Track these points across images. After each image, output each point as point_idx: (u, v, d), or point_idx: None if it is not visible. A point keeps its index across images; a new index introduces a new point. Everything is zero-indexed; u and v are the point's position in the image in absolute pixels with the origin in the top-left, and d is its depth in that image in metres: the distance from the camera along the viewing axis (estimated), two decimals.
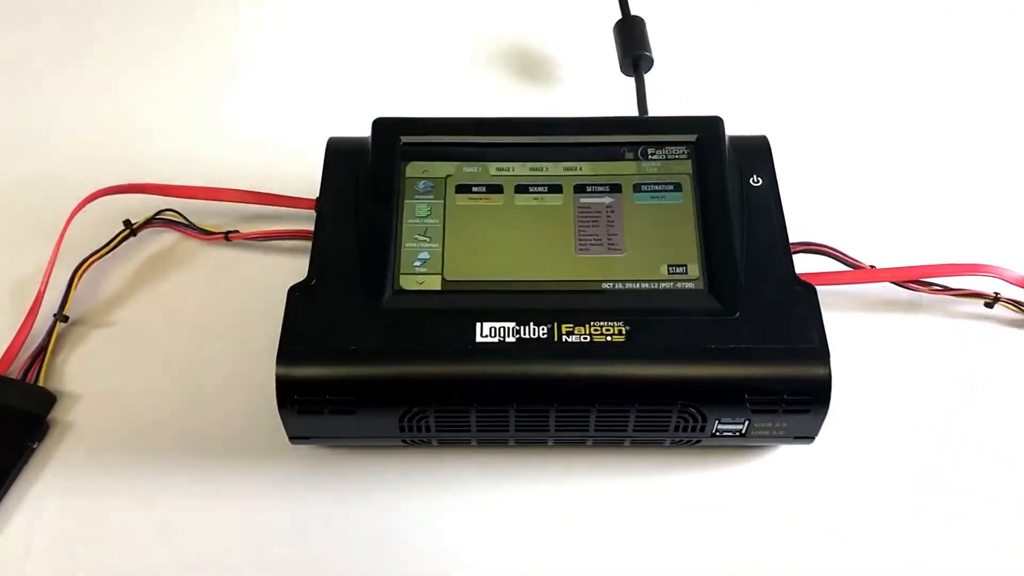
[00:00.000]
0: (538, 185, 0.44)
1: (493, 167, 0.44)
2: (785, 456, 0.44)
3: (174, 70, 0.60)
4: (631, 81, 0.54)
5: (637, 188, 0.44)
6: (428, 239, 0.42)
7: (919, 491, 0.42)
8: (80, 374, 0.46)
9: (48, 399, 0.45)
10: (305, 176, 0.47)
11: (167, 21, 0.62)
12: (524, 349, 0.39)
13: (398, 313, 0.40)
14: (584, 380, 0.39)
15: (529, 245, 0.42)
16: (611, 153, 0.45)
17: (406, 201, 0.44)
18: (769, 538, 0.41)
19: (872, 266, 0.47)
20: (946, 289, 0.47)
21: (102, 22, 0.62)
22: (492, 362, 0.39)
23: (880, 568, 0.41)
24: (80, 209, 0.49)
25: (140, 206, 0.50)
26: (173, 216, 0.50)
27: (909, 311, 0.48)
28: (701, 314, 0.40)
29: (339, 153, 0.46)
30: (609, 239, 0.43)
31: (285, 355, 0.39)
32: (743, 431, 0.40)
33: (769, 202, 0.44)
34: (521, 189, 0.44)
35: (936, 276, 0.46)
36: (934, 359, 0.46)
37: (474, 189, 0.44)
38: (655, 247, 0.42)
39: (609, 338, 0.39)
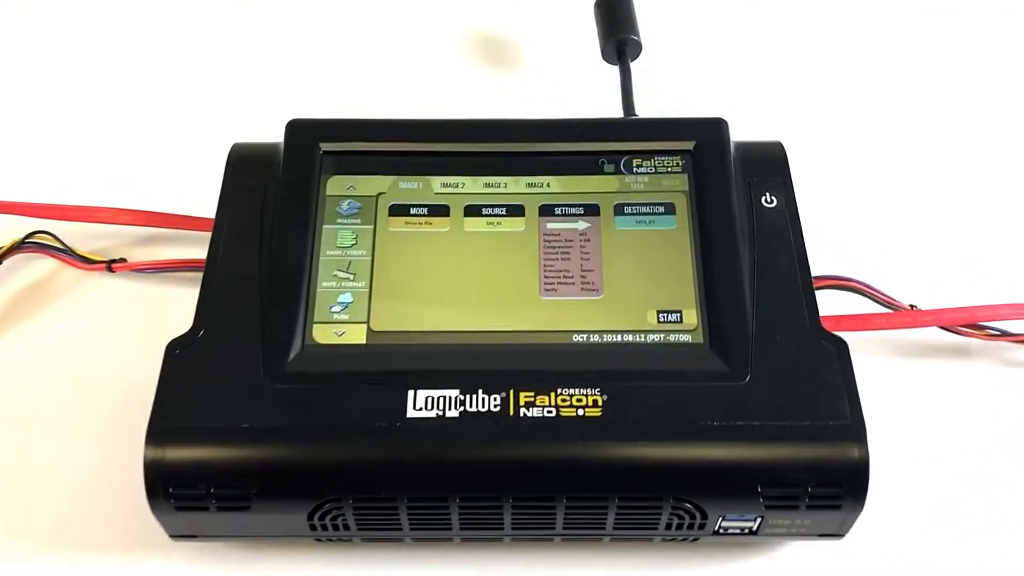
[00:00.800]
0: (494, 206, 0.41)
1: (437, 182, 0.41)
2: (805, 551, 0.39)
3: (34, 65, 0.56)
4: (614, 71, 0.51)
5: (619, 210, 0.41)
6: (351, 276, 0.39)
7: None
8: None
9: None
10: (214, 192, 0.42)
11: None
12: (470, 427, 0.35)
13: (308, 377, 0.36)
14: (548, 466, 0.35)
15: (480, 285, 0.39)
16: (587, 165, 0.42)
17: (325, 226, 0.40)
18: None
19: (912, 306, 0.43)
20: (1004, 334, 0.43)
21: None
22: (428, 443, 0.34)
23: None
24: None
25: (7, 228, 0.46)
26: (46, 240, 0.46)
27: (957, 359, 0.44)
28: (700, 378, 0.36)
29: (243, 163, 0.42)
30: (583, 276, 0.39)
31: (157, 433, 0.34)
32: (754, 528, 0.36)
33: (786, 227, 0.40)
34: (472, 211, 0.41)
35: (993, 319, 0.42)
36: (988, 420, 0.43)
37: (413, 211, 0.41)
38: (641, 287, 0.39)
39: (581, 411, 0.35)
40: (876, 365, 0.43)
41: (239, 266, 0.38)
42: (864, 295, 0.43)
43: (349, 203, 0.40)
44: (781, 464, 0.34)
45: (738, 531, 0.36)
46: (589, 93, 0.52)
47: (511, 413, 0.34)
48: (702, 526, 0.35)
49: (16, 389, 0.42)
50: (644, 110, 0.49)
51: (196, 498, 0.34)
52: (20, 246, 0.45)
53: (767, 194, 0.41)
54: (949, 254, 0.48)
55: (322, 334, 0.37)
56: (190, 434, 0.34)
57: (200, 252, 0.42)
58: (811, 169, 0.45)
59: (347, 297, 0.38)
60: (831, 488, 0.34)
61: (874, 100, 0.55)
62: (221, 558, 0.38)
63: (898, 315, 0.43)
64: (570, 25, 0.56)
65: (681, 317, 0.38)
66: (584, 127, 0.43)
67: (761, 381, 0.35)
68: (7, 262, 0.45)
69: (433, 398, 0.35)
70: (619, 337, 0.37)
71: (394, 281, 0.38)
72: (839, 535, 0.36)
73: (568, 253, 0.39)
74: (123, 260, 0.45)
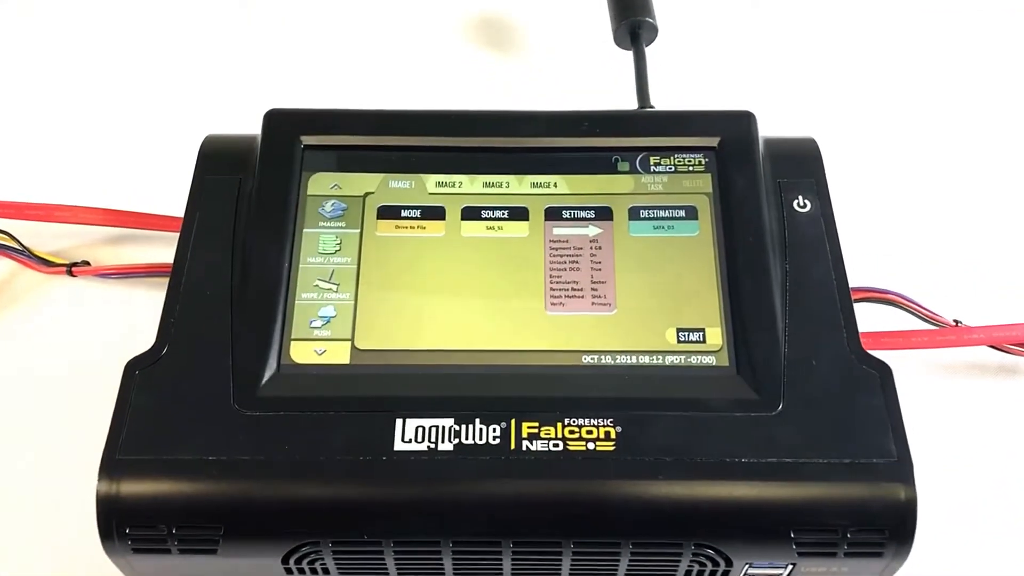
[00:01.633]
0: (494, 208, 0.39)
1: (432, 181, 0.40)
2: None
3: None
4: (628, 57, 0.49)
5: (634, 213, 0.39)
6: (334, 287, 0.37)
7: None
8: None
9: None
10: (186, 188, 0.41)
11: None
12: (465, 462, 0.33)
13: (283, 402, 0.34)
14: (553, 508, 0.33)
15: (479, 298, 0.37)
16: (598, 163, 0.40)
17: (305, 230, 0.38)
18: None
19: (957, 321, 0.42)
20: None
21: None
22: (418, 480, 0.33)
23: None
24: None
25: None
26: (3, 240, 0.45)
27: (1009, 380, 0.42)
28: (725, 407, 0.35)
29: (216, 157, 0.40)
30: (593, 289, 0.37)
31: (112, 466, 0.32)
32: None
33: (821, 235, 0.38)
34: (471, 214, 0.39)
35: None
36: None
37: (404, 213, 0.39)
38: (659, 302, 0.37)
39: (591, 444, 0.33)
40: (917, 387, 0.42)
41: (208, 274, 0.37)
42: (903, 309, 0.41)
43: (333, 204, 0.39)
44: (817, 506, 0.32)
45: None
46: (600, 82, 0.52)
47: (512, 447, 0.33)
48: (726, 574, 0.34)
49: None
50: (661, 101, 0.47)
51: (156, 540, 0.32)
52: None
53: (799, 197, 0.39)
54: (995, 264, 0.46)
55: (300, 353, 0.35)
56: (149, 467, 0.32)
57: (170, 255, 0.40)
58: (843, 167, 0.43)
59: (329, 311, 0.36)
60: (873, 534, 0.32)
61: (910, 92, 0.53)
62: None
63: (942, 332, 0.42)
64: (579, 6, 0.54)
65: (704, 336, 0.36)
66: (595, 120, 0.41)
67: (794, 411, 0.34)
68: None
69: (424, 428, 0.33)
70: (634, 359, 0.36)
71: (382, 293, 0.37)
72: None
73: (577, 262, 0.38)
74: (86, 263, 0.44)
